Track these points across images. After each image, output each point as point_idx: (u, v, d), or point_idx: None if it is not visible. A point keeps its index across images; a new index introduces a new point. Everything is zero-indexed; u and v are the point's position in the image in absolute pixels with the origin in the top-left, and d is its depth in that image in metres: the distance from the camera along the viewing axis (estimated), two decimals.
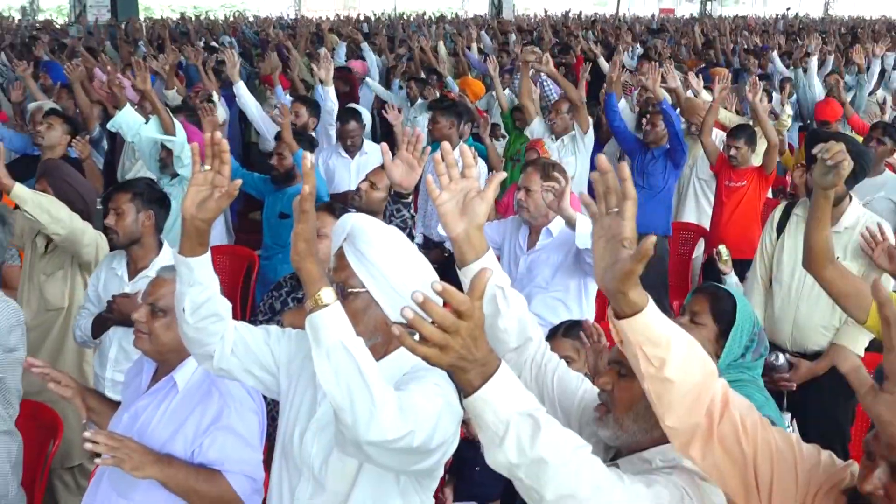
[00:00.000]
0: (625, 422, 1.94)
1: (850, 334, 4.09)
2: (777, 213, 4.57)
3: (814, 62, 9.92)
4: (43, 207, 3.99)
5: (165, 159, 5.83)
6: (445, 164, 2.03)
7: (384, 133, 9.47)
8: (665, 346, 1.65)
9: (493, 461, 1.62)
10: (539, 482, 1.59)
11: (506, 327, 2.16)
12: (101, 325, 3.87)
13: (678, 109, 7.13)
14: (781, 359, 3.79)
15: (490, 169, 6.37)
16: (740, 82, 8.74)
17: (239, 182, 2.20)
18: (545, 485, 1.59)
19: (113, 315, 3.67)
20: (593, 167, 5.79)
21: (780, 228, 4.49)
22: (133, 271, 3.93)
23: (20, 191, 3.96)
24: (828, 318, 4.22)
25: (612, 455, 2.03)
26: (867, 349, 4.07)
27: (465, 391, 1.59)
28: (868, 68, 9.90)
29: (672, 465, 1.89)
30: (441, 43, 13.07)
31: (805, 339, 4.23)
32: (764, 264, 4.51)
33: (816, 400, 3.99)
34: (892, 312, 1.29)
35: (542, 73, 7.51)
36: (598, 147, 7.45)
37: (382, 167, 4.68)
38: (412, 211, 3.59)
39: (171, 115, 5.93)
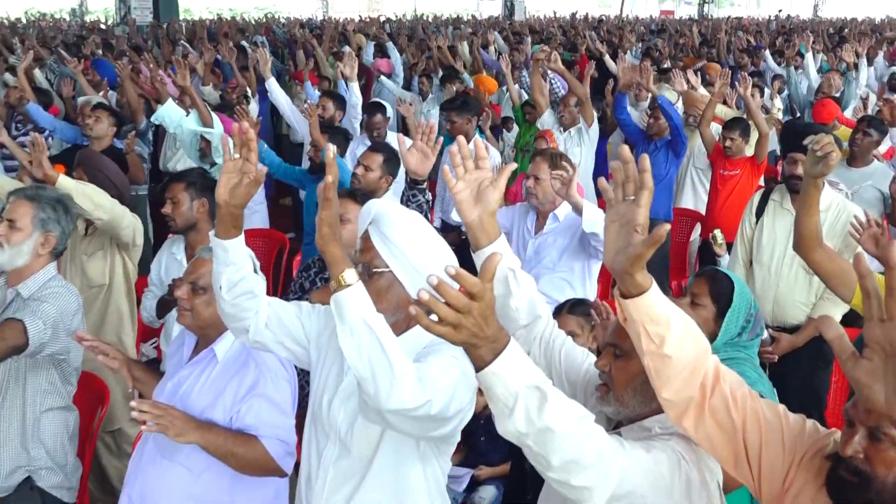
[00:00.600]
0: (624, 397, 1.94)
1: (826, 309, 4.13)
2: (756, 199, 4.58)
3: (810, 57, 9.91)
4: (87, 195, 3.99)
5: (205, 149, 5.87)
6: (461, 156, 2.04)
7: (405, 125, 9.49)
8: (665, 325, 1.65)
9: (503, 430, 1.62)
10: (546, 449, 1.59)
11: (517, 306, 2.17)
12: (164, 307, 3.90)
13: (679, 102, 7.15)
14: (764, 333, 3.81)
15: None
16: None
17: (265, 169, 2.21)
18: (552, 452, 1.59)
19: (174, 297, 3.68)
20: (597, 157, 5.82)
21: (759, 213, 4.49)
22: (191, 256, 3.92)
23: (64, 182, 3.94)
24: (805, 294, 4.27)
25: (615, 424, 2.04)
26: (842, 324, 4.07)
27: (477, 366, 1.58)
28: (857, 67, 9.84)
29: (670, 432, 1.89)
30: (465, 43, 13.08)
31: (784, 314, 4.24)
32: (744, 246, 4.52)
33: (795, 370, 4.01)
34: (872, 285, 1.29)
35: (550, 70, 7.49)
36: (604, 138, 7.44)
37: (371, 149, 4.76)
38: (427, 196, 3.60)
39: (210, 109, 5.95)
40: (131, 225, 4.20)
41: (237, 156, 2.18)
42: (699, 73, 8.27)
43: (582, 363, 2.18)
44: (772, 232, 4.38)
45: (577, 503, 1.69)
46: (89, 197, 3.98)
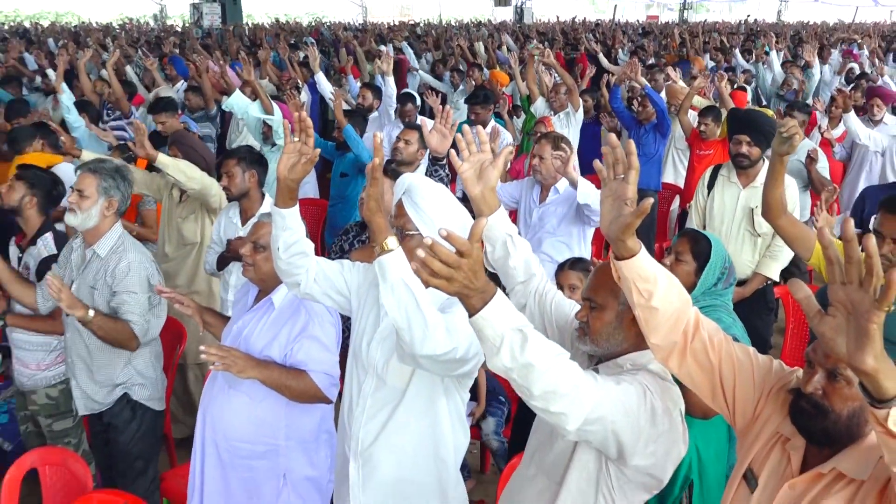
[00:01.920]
0: (599, 340, 1.94)
1: (767, 265, 4.23)
2: (707, 174, 4.55)
3: (774, 54, 9.82)
4: (181, 170, 4.06)
5: (266, 132, 5.95)
6: (465, 142, 2.08)
7: (430, 111, 9.45)
8: (653, 282, 1.64)
9: (492, 365, 1.62)
10: (528, 381, 1.59)
11: (515, 265, 2.18)
12: (223, 262, 3.91)
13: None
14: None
15: None
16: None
17: (318, 151, 2.22)
18: (533, 383, 1.59)
19: (230, 254, 3.70)
20: (591, 139, 5.80)
21: (711, 186, 4.47)
22: (244, 219, 3.94)
23: (163, 158, 4.05)
24: (750, 253, 4.29)
25: (596, 361, 2.03)
26: (807, 282, 4.05)
27: (469, 313, 1.58)
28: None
29: (639, 368, 1.89)
30: (480, 43, 13.03)
31: None
32: (698, 214, 4.51)
33: (743, 317, 4.03)
34: (834, 254, 1.28)
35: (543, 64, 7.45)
36: (599, 123, 7.35)
37: (408, 127, 4.90)
38: (446, 170, 3.61)
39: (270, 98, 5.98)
40: (218, 193, 4.21)
41: (296, 139, 2.19)
42: (677, 67, 8.18)
43: (570, 313, 2.17)
44: (721, 202, 4.36)
45: (556, 426, 1.70)
46: (183, 171, 4.06)
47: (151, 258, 3.24)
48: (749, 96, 9.04)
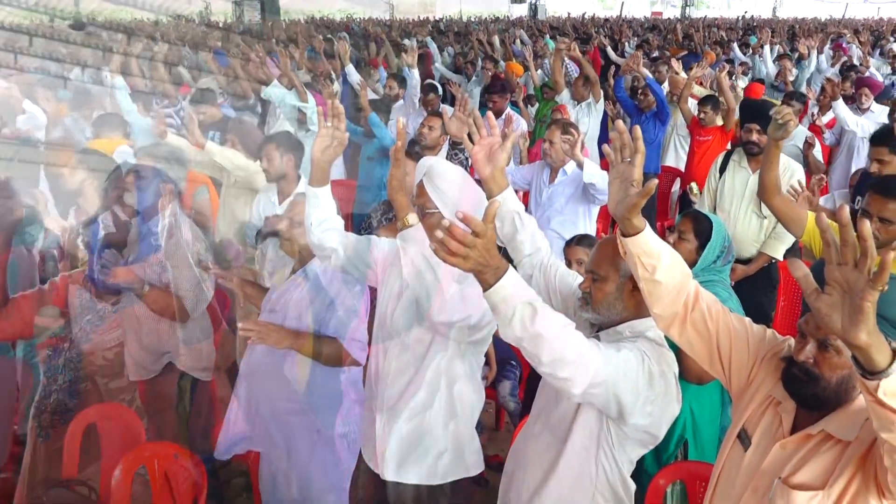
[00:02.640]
0: (600, 309, 1.94)
1: (772, 245, 4.16)
2: (719, 159, 4.49)
3: (767, 49, 9.64)
4: (226, 157, 4.10)
5: (301, 119, 5.91)
6: (476, 126, 2.10)
7: (451, 99, 9.39)
8: (656, 257, 1.62)
9: (504, 335, 1.63)
10: (537, 349, 1.60)
11: (522, 239, 2.18)
12: (263, 237, 3.91)
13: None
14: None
15: None
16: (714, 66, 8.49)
17: (347, 134, 2.22)
18: (542, 351, 1.60)
19: (268, 230, 3.69)
20: (603, 126, 5.76)
21: (722, 170, 4.40)
22: (281, 199, 3.94)
23: (211, 146, 4.08)
24: (756, 234, 4.21)
25: (597, 328, 2.03)
26: (798, 258, 4.00)
27: (483, 287, 1.59)
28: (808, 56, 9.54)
29: (638, 335, 1.89)
30: (496, 37, 12.91)
31: (740, 249, 4.16)
32: (710, 196, 4.44)
33: (746, 291, 3.99)
34: (831, 237, 1.25)
35: (565, 57, 7.34)
36: (605, 113, 7.28)
37: (431, 114, 4.86)
38: (466, 154, 3.58)
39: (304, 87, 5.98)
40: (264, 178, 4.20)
41: (329, 124, 2.20)
42: (681, 60, 8.06)
43: (573, 283, 2.17)
44: (732, 185, 4.30)
45: (563, 390, 1.70)
46: (229, 158, 4.13)
47: (202, 237, 3.24)
48: (745, 85, 8.90)
